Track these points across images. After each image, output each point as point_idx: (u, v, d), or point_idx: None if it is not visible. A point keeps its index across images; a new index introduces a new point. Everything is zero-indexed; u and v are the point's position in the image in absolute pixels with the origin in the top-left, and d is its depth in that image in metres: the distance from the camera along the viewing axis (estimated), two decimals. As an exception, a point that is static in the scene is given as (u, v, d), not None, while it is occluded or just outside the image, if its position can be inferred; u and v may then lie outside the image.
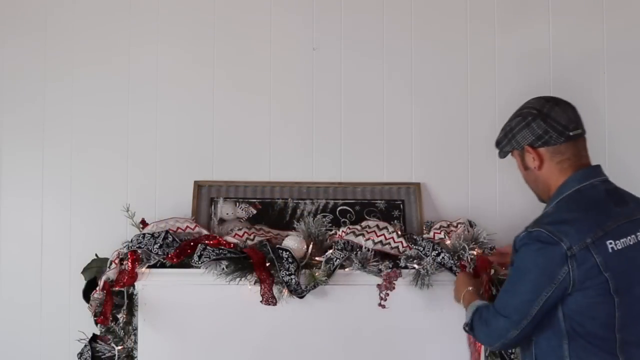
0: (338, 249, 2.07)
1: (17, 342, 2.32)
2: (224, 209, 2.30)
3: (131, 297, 2.09)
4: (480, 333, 1.69)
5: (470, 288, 1.86)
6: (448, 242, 2.13)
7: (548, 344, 1.59)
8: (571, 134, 1.61)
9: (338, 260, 2.04)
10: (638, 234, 1.56)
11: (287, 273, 2.00)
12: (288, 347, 2.10)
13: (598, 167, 1.67)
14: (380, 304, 2.03)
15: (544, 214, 1.64)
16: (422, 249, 2.08)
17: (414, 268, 2.06)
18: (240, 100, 2.39)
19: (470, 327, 1.72)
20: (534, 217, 1.65)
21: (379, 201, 2.36)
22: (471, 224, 2.24)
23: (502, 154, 1.79)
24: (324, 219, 2.23)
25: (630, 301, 1.53)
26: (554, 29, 2.44)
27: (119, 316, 2.09)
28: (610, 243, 1.51)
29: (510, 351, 2.06)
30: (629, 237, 1.54)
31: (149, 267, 2.05)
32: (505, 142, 1.73)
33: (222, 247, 2.03)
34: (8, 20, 2.37)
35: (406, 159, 2.41)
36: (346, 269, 2.06)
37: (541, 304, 1.53)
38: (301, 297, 2.02)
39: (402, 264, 2.07)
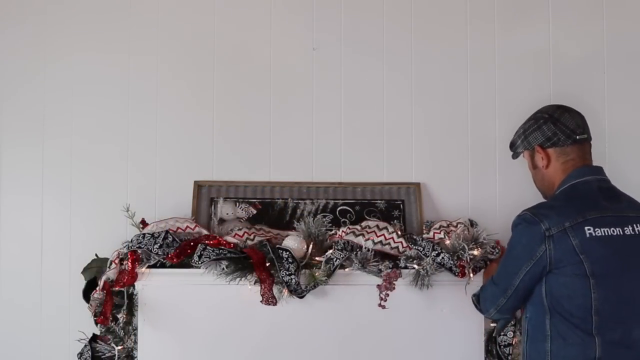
0: (338, 249, 2.07)
1: (17, 342, 2.32)
2: (224, 209, 2.30)
3: (131, 297, 2.09)
4: (482, 300, 1.90)
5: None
6: (448, 242, 2.13)
7: (536, 320, 1.75)
8: (577, 137, 1.79)
9: (338, 260, 2.04)
10: (626, 228, 1.69)
11: (287, 273, 2.00)
12: (288, 347, 2.10)
13: (599, 168, 1.81)
14: (380, 304, 2.03)
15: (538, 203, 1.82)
16: (421, 249, 2.08)
17: (414, 268, 2.06)
18: (241, 100, 2.39)
19: (477, 298, 1.94)
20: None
21: (379, 201, 2.36)
22: (472, 224, 2.24)
23: (515, 155, 1.98)
24: (324, 219, 2.23)
25: (607, 285, 1.66)
26: (554, 29, 2.44)
27: (119, 316, 2.09)
28: (589, 229, 1.66)
29: (507, 352, 2.11)
30: (612, 229, 1.68)
31: (149, 267, 2.05)
32: (519, 143, 1.91)
33: (222, 247, 2.03)
34: (8, 20, 2.37)
35: (406, 159, 2.41)
36: (346, 269, 2.06)
37: (521, 276, 1.72)
38: (301, 297, 2.02)
39: (402, 264, 2.07)
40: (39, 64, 2.37)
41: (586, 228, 1.66)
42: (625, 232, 1.68)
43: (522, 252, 1.71)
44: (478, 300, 1.93)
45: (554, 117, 1.81)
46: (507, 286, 1.76)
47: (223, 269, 2.02)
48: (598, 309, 1.65)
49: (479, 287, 1.97)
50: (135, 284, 2.06)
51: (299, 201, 2.34)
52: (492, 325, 2.16)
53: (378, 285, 2.04)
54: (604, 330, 1.66)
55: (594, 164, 1.83)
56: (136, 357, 2.08)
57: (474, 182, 2.40)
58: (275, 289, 2.01)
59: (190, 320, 2.08)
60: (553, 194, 1.81)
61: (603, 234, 1.66)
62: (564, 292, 1.68)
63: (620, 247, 1.67)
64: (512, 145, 1.97)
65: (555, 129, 1.79)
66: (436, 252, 2.07)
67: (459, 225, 2.21)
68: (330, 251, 2.07)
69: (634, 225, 1.70)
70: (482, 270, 2.09)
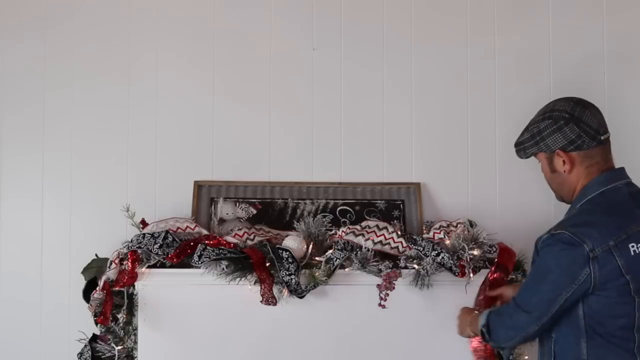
0: (338, 249, 2.07)
1: (17, 342, 2.32)
2: (224, 209, 2.30)
3: (131, 297, 2.09)
4: (500, 328, 1.69)
5: (473, 314, 1.87)
6: (448, 242, 2.13)
7: (566, 342, 1.61)
8: (602, 138, 1.63)
9: (338, 260, 2.04)
10: None
11: (287, 273, 2.00)
12: (288, 347, 2.10)
13: (622, 169, 1.68)
14: (380, 304, 2.03)
15: (568, 217, 1.66)
16: (421, 249, 2.08)
17: (414, 268, 2.06)
18: (240, 100, 2.39)
19: (487, 329, 1.71)
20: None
21: (379, 201, 2.36)
22: (471, 224, 2.24)
23: (525, 155, 1.77)
24: (324, 219, 2.23)
25: None
26: (554, 29, 2.44)
27: (119, 316, 2.09)
28: (633, 246, 1.53)
29: (509, 353, 2.07)
30: None
31: (149, 267, 2.05)
32: (532, 144, 1.71)
33: (222, 247, 2.03)
34: (8, 24, 2.37)
35: (406, 159, 2.41)
36: (346, 269, 2.06)
37: (561, 302, 1.56)
38: (301, 297, 2.02)
39: (402, 264, 2.07)
40: (39, 64, 2.36)
41: (630, 246, 1.52)
42: None
43: (562, 276, 1.54)
44: (489, 331, 1.72)
45: (575, 116, 1.62)
46: (542, 314, 1.58)
47: (223, 269, 2.01)
48: None
49: (482, 318, 1.75)
50: (135, 284, 2.05)
51: (299, 201, 2.34)
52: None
53: (378, 285, 2.04)
54: None
55: None
56: (136, 357, 2.08)
57: (474, 182, 2.40)
58: (275, 289, 2.01)
59: (190, 320, 2.08)
60: (574, 199, 1.68)
61: None
62: (606, 313, 1.55)
63: None
64: (521, 145, 1.76)
65: (579, 130, 1.61)
66: (436, 252, 2.07)
67: (458, 225, 2.21)
68: (330, 251, 2.07)
69: None
70: (462, 310, 1.98)
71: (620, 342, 1.56)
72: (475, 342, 2.00)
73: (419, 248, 2.09)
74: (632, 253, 1.53)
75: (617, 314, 1.55)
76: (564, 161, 1.65)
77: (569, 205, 1.73)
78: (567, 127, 1.62)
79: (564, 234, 1.55)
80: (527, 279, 1.68)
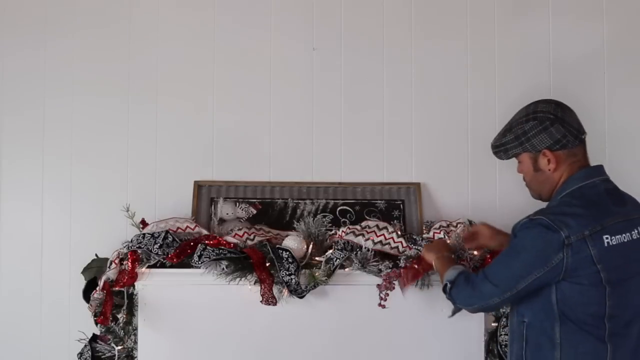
0: (338, 249, 2.07)
1: (17, 342, 2.32)
2: (224, 209, 2.30)
3: (131, 297, 2.09)
4: (462, 292, 1.75)
5: (447, 254, 1.95)
6: (448, 241, 2.13)
7: (540, 326, 1.67)
8: (583, 137, 1.74)
9: (338, 260, 2.04)
10: (633, 232, 1.65)
11: (287, 273, 2.00)
12: (288, 347, 2.10)
13: (600, 166, 1.76)
14: (380, 304, 2.03)
15: (547, 207, 1.74)
16: (422, 248, 2.08)
17: (414, 268, 2.06)
18: (241, 100, 2.39)
19: (451, 286, 1.77)
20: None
21: (379, 201, 2.36)
22: (471, 224, 2.24)
23: (506, 156, 1.83)
24: (324, 219, 2.23)
25: (621, 293, 1.62)
26: (554, 29, 2.44)
27: (119, 316, 2.09)
28: (607, 238, 1.61)
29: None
30: (624, 235, 1.63)
31: (149, 267, 2.05)
32: (516, 145, 1.77)
33: (222, 247, 2.03)
34: (8, 24, 2.37)
35: (406, 159, 2.41)
36: (346, 269, 2.06)
37: (529, 281, 1.63)
38: (301, 297, 2.02)
39: (402, 264, 2.07)
40: (39, 64, 2.37)
41: (604, 237, 1.60)
42: (633, 236, 1.65)
43: (536, 257, 1.61)
44: (452, 287, 1.77)
45: (559, 117, 1.70)
46: (508, 288, 1.65)
47: (223, 269, 2.01)
48: (611, 316, 1.61)
49: (452, 271, 1.80)
50: (135, 284, 2.06)
51: (299, 201, 2.34)
52: (493, 324, 2.16)
53: (378, 285, 2.04)
54: (616, 337, 1.62)
55: (592, 162, 1.77)
56: (136, 357, 2.08)
57: (474, 182, 2.40)
58: (275, 289, 2.01)
59: (190, 320, 2.08)
60: (555, 193, 1.74)
61: (617, 241, 1.61)
62: (578, 299, 1.61)
63: (630, 252, 1.64)
64: (502, 146, 1.81)
65: (565, 130, 1.69)
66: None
67: (458, 225, 2.21)
68: (330, 251, 2.07)
69: (638, 228, 1.67)
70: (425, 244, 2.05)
71: (591, 330, 1.62)
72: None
73: (418, 248, 2.09)
74: (605, 244, 1.60)
75: (589, 302, 1.61)
76: (549, 160, 1.73)
77: None
78: (553, 127, 1.70)
79: (543, 219, 1.62)
80: (501, 254, 1.74)
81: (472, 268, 2.05)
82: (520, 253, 1.65)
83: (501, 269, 1.69)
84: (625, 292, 1.64)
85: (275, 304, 2.01)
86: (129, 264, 2.02)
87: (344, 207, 2.35)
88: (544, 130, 1.71)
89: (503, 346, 2.11)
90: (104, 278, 2.04)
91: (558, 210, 1.67)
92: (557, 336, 1.64)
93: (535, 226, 1.63)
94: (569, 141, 1.70)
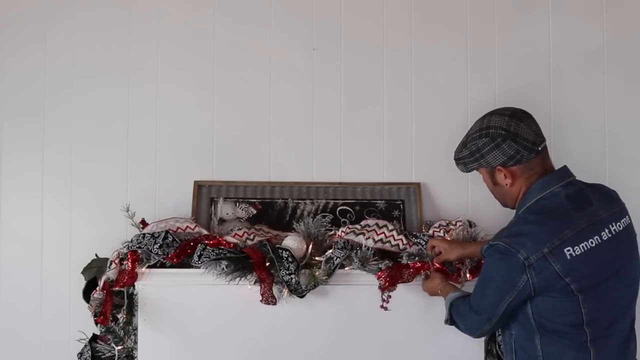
0: (338, 248, 2.07)
1: (17, 342, 2.32)
2: (224, 209, 2.30)
3: (131, 297, 2.09)
4: (461, 324, 1.80)
5: (444, 282, 1.97)
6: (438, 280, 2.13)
7: (524, 339, 1.68)
8: (539, 148, 1.66)
9: (338, 259, 2.04)
10: (602, 233, 1.60)
11: (287, 272, 2.00)
12: (288, 347, 2.10)
13: (562, 169, 1.70)
14: (382, 306, 2.03)
15: (506, 227, 1.68)
16: (423, 242, 2.12)
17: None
18: (241, 100, 2.39)
19: (450, 321, 1.84)
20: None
21: (379, 201, 2.36)
22: (470, 224, 2.25)
23: (466, 170, 1.79)
24: (323, 219, 2.23)
25: (597, 297, 1.59)
26: (554, 29, 2.44)
27: (119, 316, 2.09)
28: (569, 250, 1.56)
29: None
30: (590, 241, 1.58)
31: (149, 267, 2.05)
32: (472, 160, 1.73)
33: (222, 247, 2.03)
34: (8, 24, 2.37)
35: (406, 159, 2.41)
36: (346, 268, 2.06)
37: (505, 306, 1.63)
38: (301, 297, 2.02)
39: (404, 261, 2.07)
40: (39, 64, 2.37)
41: (565, 250, 1.55)
42: (603, 237, 1.59)
43: (503, 283, 1.61)
44: (452, 321, 1.83)
45: (512, 132, 1.64)
46: (491, 315, 1.66)
47: (223, 268, 2.02)
48: (590, 322, 1.58)
49: (446, 306, 1.85)
50: (135, 284, 2.06)
51: (299, 201, 2.34)
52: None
53: (380, 286, 2.04)
54: (598, 340, 1.60)
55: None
56: (136, 357, 2.08)
57: (473, 182, 2.40)
58: (275, 289, 2.01)
59: (190, 320, 2.08)
60: (517, 206, 1.71)
61: (583, 249, 1.57)
62: (553, 311, 1.60)
63: (602, 255, 1.59)
64: (460, 160, 1.78)
65: (517, 146, 1.63)
66: (436, 251, 2.08)
67: (458, 224, 2.21)
68: (330, 251, 2.07)
69: (609, 226, 1.61)
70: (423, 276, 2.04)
71: (572, 338, 1.60)
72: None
73: (419, 241, 2.11)
74: (569, 257, 1.56)
75: (563, 312, 1.59)
76: (505, 175, 1.69)
77: None
78: (505, 144, 1.65)
79: (500, 245, 1.60)
80: (476, 284, 1.73)
81: (468, 269, 2.06)
82: (489, 281, 1.66)
83: (479, 298, 1.71)
84: (602, 295, 1.60)
85: (275, 303, 2.01)
86: (129, 264, 2.03)
87: (344, 207, 2.35)
88: (496, 147, 1.66)
89: (502, 346, 2.11)
90: (104, 278, 2.04)
91: (515, 230, 1.63)
92: (539, 349, 1.64)
93: (494, 252, 1.62)
94: (523, 156, 1.64)
